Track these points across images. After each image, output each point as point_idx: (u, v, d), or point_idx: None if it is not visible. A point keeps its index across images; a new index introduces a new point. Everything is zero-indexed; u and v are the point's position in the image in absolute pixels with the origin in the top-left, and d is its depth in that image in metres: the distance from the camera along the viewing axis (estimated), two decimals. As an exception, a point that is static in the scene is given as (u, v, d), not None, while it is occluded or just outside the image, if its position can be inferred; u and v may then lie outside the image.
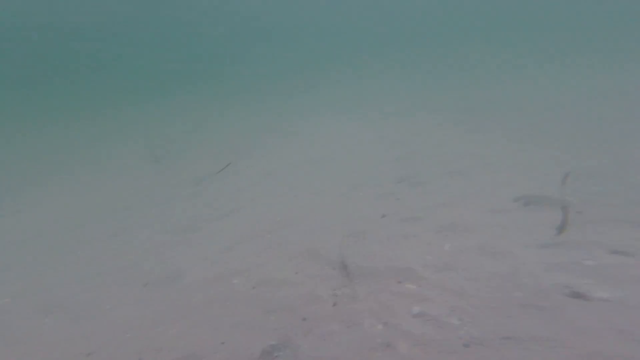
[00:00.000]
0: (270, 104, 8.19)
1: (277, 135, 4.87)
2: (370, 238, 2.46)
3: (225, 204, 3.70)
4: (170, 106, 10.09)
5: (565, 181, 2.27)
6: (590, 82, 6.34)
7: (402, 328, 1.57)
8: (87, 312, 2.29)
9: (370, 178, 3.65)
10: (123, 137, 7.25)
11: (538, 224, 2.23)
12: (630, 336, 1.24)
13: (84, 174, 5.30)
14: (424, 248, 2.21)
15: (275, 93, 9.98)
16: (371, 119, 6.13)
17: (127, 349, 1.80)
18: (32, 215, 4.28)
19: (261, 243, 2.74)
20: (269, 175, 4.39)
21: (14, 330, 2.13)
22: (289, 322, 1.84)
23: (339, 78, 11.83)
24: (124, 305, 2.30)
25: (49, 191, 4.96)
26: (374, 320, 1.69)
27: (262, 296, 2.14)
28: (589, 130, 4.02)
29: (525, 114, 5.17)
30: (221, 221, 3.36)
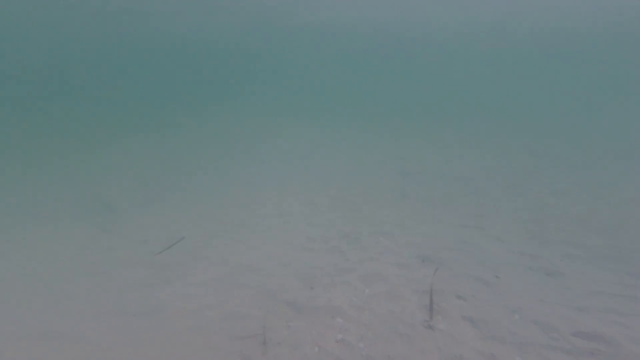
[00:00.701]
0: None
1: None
2: (317, 282, 3.35)
3: (195, 250, 4.28)
4: (125, 152, 9.28)
5: (435, 273, 3.40)
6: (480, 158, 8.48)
7: (329, 350, 2.44)
8: (73, 338, 2.70)
9: (320, 234, 4.61)
10: (63, 182, 6.90)
11: (426, 275, 3.36)
12: (445, 355, 2.30)
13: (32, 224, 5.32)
14: (352, 292, 3.16)
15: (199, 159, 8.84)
16: (318, 183, 7.27)
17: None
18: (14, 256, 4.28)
19: (230, 284, 3.42)
20: (240, 226, 5.07)
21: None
22: (250, 346, 2.57)
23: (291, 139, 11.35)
24: (110, 332, 2.77)
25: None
26: (312, 344, 2.53)
27: (230, 326, 2.83)
28: (476, 201, 5.61)
29: (440, 184, 6.78)
30: (195, 264, 3.95)
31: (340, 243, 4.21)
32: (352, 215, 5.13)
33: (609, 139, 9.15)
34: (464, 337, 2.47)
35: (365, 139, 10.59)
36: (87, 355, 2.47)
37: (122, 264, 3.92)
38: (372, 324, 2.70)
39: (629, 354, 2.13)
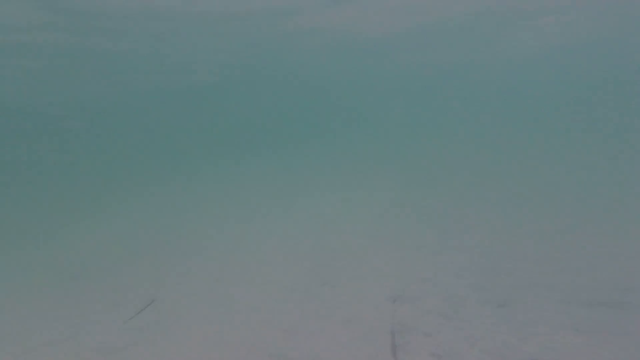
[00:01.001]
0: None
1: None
2: (299, 332, 3.52)
3: (173, 309, 4.28)
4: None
5: (393, 308, 3.79)
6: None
7: (312, 399, 2.60)
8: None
9: (300, 283, 4.85)
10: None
11: (397, 315, 3.69)
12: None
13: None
14: (332, 338, 3.38)
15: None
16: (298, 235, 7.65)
17: None
18: None
19: (212, 340, 3.48)
20: (219, 281, 5.15)
21: None
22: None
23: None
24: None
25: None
26: (296, 396, 2.68)
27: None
28: (437, 240, 6.23)
29: (405, 223, 7.42)
30: (174, 323, 3.95)
31: (319, 290, 4.45)
32: (328, 262, 5.44)
33: (557, 166, 10.62)
34: (431, 373, 2.78)
35: (334, 185, 11.27)
36: None
37: (94, 329, 3.79)
38: (351, 369, 2.92)
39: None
